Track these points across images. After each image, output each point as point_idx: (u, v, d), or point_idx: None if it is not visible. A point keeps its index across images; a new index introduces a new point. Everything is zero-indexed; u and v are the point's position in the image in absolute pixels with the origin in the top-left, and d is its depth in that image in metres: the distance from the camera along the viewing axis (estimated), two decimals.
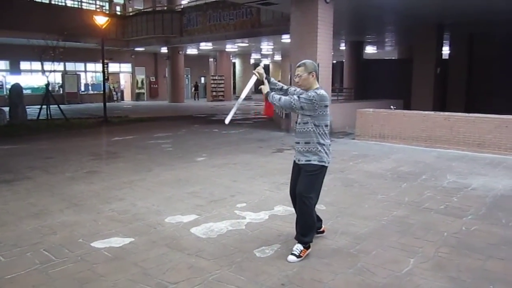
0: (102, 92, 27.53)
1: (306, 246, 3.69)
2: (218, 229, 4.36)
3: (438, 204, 5.25)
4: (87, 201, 5.39)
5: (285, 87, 4.02)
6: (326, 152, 3.69)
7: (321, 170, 3.71)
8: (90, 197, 5.61)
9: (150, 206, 5.17)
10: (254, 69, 3.94)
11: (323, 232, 4.17)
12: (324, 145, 3.67)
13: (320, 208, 5.04)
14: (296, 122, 3.81)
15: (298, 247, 3.67)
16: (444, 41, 19.29)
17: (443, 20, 16.53)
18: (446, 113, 9.79)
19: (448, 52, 21.14)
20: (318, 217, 4.00)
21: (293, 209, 4.75)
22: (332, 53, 31.72)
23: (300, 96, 3.63)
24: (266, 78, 3.91)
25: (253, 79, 4.01)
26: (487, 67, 19.12)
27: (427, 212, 4.96)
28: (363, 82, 22.57)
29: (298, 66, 3.74)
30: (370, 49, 28.09)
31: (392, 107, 10.38)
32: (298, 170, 3.81)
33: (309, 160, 3.68)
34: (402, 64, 21.85)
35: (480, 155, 8.68)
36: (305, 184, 3.69)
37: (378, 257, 3.67)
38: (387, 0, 12.63)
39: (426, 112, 10.11)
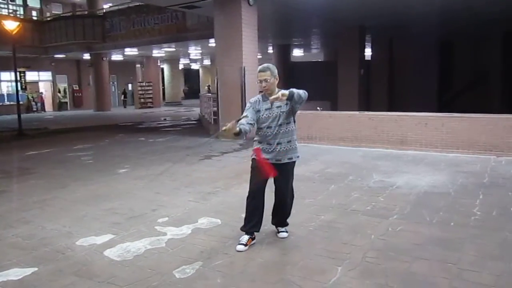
0: (20, 103, 26.18)
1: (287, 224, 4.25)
2: (135, 249, 3.98)
3: (365, 205, 5.22)
4: None
5: (247, 119, 3.84)
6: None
7: (292, 169, 4.06)
8: None
9: (61, 228, 4.66)
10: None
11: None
12: (296, 140, 4.03)
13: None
14: (270, 127, 3.85)
15: (285, 229, 4.23)
16: (366, 43, 20.02)
17: (364, 22, 17.09)
18: (370, 113, 10.01)
19: (371, 54, 21.96)
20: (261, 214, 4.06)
21: (217, 221, 4.58)
22: (260, 56, 31.99)
23: (297, 91, 3.70)
24: (238, 122, 3.71)
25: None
26: (406, 67, 20.07)
27: (354, 214, 4.89)
28: (291, 85, 22.76)
29: (263, 71, 3.84)
30: (297, 52, 28.61)
31: (318, 108, 10.45)
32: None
33: (291, 158, 3.96)
34: (328, 66, 22.42)
35: (403, 153, 8.93)
36: (289, 181, 4.07)
37: (305, 268, 3.48)
38: (309, 3, 12.76)
39: (351, 112, 10.28)
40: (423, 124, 8.96)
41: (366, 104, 18.95)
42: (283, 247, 3.95)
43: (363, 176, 6.84)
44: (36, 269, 3.63)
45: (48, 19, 27.47)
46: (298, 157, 4.05)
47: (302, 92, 3.76)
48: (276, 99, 3.65)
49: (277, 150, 3.90)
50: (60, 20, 25.86)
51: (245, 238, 3.96)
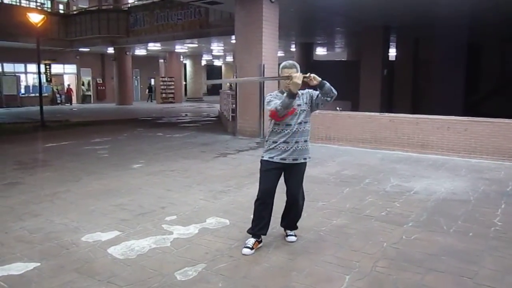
0: (45, 94, 26.65)
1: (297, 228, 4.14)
2: (140, 248, 3.90)
3: (379, 211, 5.03)
4: None
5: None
6: None
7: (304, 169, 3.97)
8: (2, 213, 4.98)
9: (69, 223, 4.63)
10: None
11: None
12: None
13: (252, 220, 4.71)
14: (294, 124, 3.75)
15: (294, 232, 4.11)
16: (391, 43, 19.62)
17: (389, 23, 16.74)
18: (391, 115, 9.75)
19: (395, 54, 21.51)
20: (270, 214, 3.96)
21: (225, 221, 4.47)
22: (283, 54, 31.81)
23: (313, 91, 3.82)
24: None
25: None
26: (431, 69, 19.58)
27: (368, 220, 4.72)
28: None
29: (289, 68, 3.70)
30: (320, 51, 28.28)
31: (338, 108, 10.23)
32: (278, 172, 3.84)
33: (305, 158, 3.86)
34: (351, 66, 22.04)
35: (423, 156, 8.65)
36: (301, 181, 3.96)
37: (312, 276, 3.34)
38: (331, 1, 12.52)
39: (371, 114, 10.03)
40: (445, 127, 8.67)
41: (389, 105, 18.57)
42: (291, 252, 3.81)
43: (380, 180, 6.63)
44: (38, 264, 3.58)
45: (74, 12, 27.84)
46: (310, 157, 3.94)
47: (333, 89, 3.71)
48: (307, 78, 3.60)
49: (295, 148, 3.78)
50: (86, 14, 26.15)
51: (251, 241, 3.83)
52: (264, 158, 3.88)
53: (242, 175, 6.95)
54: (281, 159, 3.78)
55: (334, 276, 3.33)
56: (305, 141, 3.84)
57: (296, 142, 3.78)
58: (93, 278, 3.32)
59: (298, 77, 3.55)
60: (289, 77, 3.60)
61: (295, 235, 4.10)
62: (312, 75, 3.62)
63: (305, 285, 3.17)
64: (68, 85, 29.28)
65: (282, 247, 3.91)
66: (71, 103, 28.57)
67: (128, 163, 8.04)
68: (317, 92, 3.77)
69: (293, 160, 3.80)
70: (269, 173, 3.83)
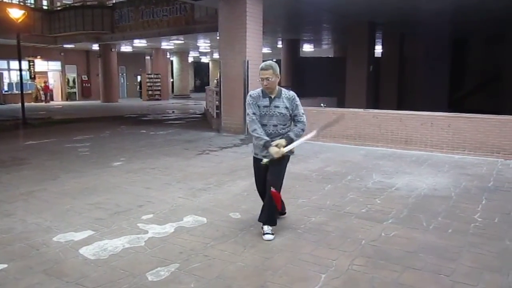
0: (29, 92, 26.24)
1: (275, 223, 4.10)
2: (113, 248, 3.79)
3: (360, 208, 4.98)
4: None
5: (256, 118, 3.98)
6: None
7: (289, 158, 4.11)
8: None
9: (41, 222, 4.50)
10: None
11: (285, 214, 4.54)
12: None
13: (234, 216, 4.65)
14: (266, 125, 3.94)
15: (269, 228, 4.01)
16: (377, 40, 19.64)
17: (375, 18, 16.73)
18: (375, 111, 9.73)
19: (381, 50, 21.55)
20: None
21: (203, 220, 4.46)
22: (270, 51, 31.61)
23: (301, 112, 3.99)
24: (286, 145, 3.89)
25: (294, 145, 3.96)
26: (416, 65, 19.67)
27: (348, 217, 4.66)
28: (300, 80, 22.53)
29: (265, 69, 3.87)
30: (307, 47, 28.22)
31: (322, 104, 10.18)
32: (266, 167, 3.95)
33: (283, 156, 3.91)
34: (337, 62, 22.06)
35: (407, 153, 8.64)
36: (277, 173, 4.01)
37: (287, 275, 3.26)
38: None
39: (355, 110, 10.00)
40: (429, 123, 8.66)
41: (375, 101, 18.60)
42: (267, 250, 3.73)
43: (362, 176, 6.58)
44: (5, 265, 3.46)
45: (58, 8, 27.41)
46: (293, 153, 4.11)
47: (300, 129, 3.97)
48: (280, 154, 3.83)
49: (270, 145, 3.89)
50: (70, 9, 25.71)
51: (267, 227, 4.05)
52: (253, 154, 4.20)
53: (223, 173, 6.85)
54: (263, 156, 3.97)
55: (309, 275, 3.26)
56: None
57: (272, 141, 3.89)
58: (61, 280, 3.21)
59: (278, 152, 3.82)
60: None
61: (272, 233, 4.01)
62: (281, 151, 3.82)
63: (279, 285, 3.10)
64: (45, 82, 28.41)
65: (259, 246, 3.83)
66: (46, 101, 27.70)
67: (108, 161, 7.89)
68: (297, 110, 4.00)
69: (272, 157, 3.89)
70: (257, 169, 4.15)
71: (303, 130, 3.99)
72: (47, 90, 28.27)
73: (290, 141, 3.87)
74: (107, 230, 4.25)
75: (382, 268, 3.38)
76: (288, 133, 3.96)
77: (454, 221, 4.52)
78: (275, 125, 3.92)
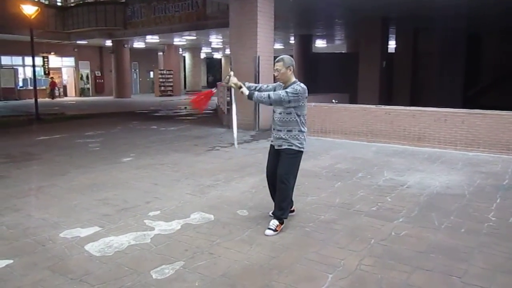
0: (43, 87, 26.48)
1: (281, 221, 4.06)
2: (118, 245, 3.76)
3: (370, 206, 4.88)
4: None
5: (258, 86, 4.34)
6: (304, 139, 4.10)
7: (299, 154, 4.09)
8: None
9: (49, 218, 4.49)
10: (226, 80, 4.23)
11: (293, 211, 4.49)
12: (303, 132, 4.09)
13: (241, 213, 4.59)
14: (275, 112, 4.14)
15: (274, 222, 4.01)
16: (390, 35, 19.37)
17: (388, 13, 16.50)
18: (387, 107, 9.57)
19: (394, 46, 21.27)
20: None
21: (210, 216, 4.40)
22: (283, 47, 31.42)
23: (287, 91, 3.96)
24: (242, 85, 4.15)
25: (233, 92, 4.42)
26: (430, 61, 19.37)
27: (357, 215, 4.57)
28: (313, 76, 22.36)
29: (277, 61, 4.06)
30: (319, 43, 28.00)
31: (333, 100, 10.06)
32: (276, 155, 4.14)
33: (291, 145, 4.03)
34: (349, 58, 21.83)
35: (419, 149, 8.49)
36: (285, 166, 4.04)
37: (293, 274, 3.20)
38: None
39: (367, 106, 9.85)
40: (442, 120, 8.49)
41: (388, 98, 18.36)
42: (273, 249, 3.66)
43: (373, 174, 6.47)
44: (11, 261, 3.46)
45: (72, 5, 27.58)
46: (300, 147, 4.09)
47: (272, 97, 3.96)
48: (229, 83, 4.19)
49: (276, 136, 4.13)
50: (83, 6, 25.87)
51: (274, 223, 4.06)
52: (270, 142, 4.36)
53: (232, 169, 6.80)
54: (271, 142, 4.25)
55: (316, 274, 3.19)
56: (288, 131, 4.05)
57: (279, 130, 4.10)
58: (66, 277, 3.19)
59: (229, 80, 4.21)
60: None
61: (275, 230, 3.98)
62: (233, 82, 4.17)
63: (284, 284, 3.04)
64: (51, 78, 27.86)
65: (265, 244, 3.76)
66: (53, 97, 27.20)
67: (118, 156, 7.89)
68: (282, 91, 4.04)
69: (278, 146, 4.13)
70: (269, 155, 4.29)
71: (260, 100, 4.03)
72: (53, 86, 27.79)
73: (244, 88, 4.09)
74: (113, 226, 4.23)
75: (391, 268, 3.30)
76: (253, 89, 4.22)
77: (467, 221, 4.40)
78: (280, 113, 4.08)
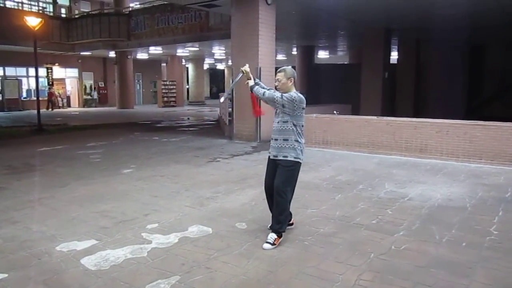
0: (46, 98, 26.58)
1: (279, 235, 4.02)
2: (114, 258, 3.72)
3: (370, 219, 4.83)
4: None
5: (267, 88, 4.27)
6: (301, 150, 4.06)
7: (296, 166, 4.05)
8: None
9: (46, 231, 4.46)
10: (235, 78, 4.45)
11: (292, 224, 4.44)
12: (300, 143, 4.05)
13: (240, 227, 4.54)
14: (274, 122, 4.16)
15: (272, 236, 3.98)
16: (392, 46, 19.40)
17: (390, 24, 16.54)
18: (389, 118, 9.54)
19: (397, 57, 21.30)
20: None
21: (208, 230, 4.36)
22: (285, 58, 31.51)
23: (283, 94, 3.99)
24: (252, 77, 4.29)
25: (240, 76, 4.37)
26: (433, 72, 19.36)
27: (357, 228, 4.51)
28: (315, 87, 22.40)
29: (279, 72, 4.12)
30: (322, 54, 28.09)
31: (335, 112, 10.04)
32: (274, 166, 4.10)
33: (286, 156, 4.00)
34: (352, 69, 21.88)
35: (421, 161, 8.43)
36: (282, 178, 4.00)
37: None
38: (330, 3, 12.35)
39: (368, 117, 9.82)
40: (445, 131, 8.45)
41: (390, 109, 18.34)
42: (271, 263, 3.61)
43: (374, 186, 6.42)
44: (6, 275, 3.42)
45: (76, 16, 27.83)
46: (296, 158, 4.03)
47: (267, 94, 4.06)
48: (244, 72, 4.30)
49: (273, 145, 4.13)
50: (87, 17, 26.10)
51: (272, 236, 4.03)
52: (268, 154, 4.31)
53: (233, 181, 6.76)
54: (269, 153, 4.21)
55: None
56: (284, 140, 4.03)
57: (275, 139, 4.10)
58: None
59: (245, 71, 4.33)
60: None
61: (273, 244, 3.94)
62: (245, 69, 4.31)
63: None
64: (49, 88, 27.45)
65: (263, 258, 3.71)
66: (52, 108, 26.59)
67: (118, 168, 7.88)
68: (283, 96, 4.03)
69: (273, 156, 4.13)
70: (268, 166, 4.24)
71: (257, 93, 4.13)
72: (51, 97, 27.22)
73: (255, 83, 4.24)
74: (110, 239, 4.19)
75: (390, 283, 3.24)
76: (259, 83, 4.30)
77: (469, 234, 4.34)
78: (277, 122, 4.10)
